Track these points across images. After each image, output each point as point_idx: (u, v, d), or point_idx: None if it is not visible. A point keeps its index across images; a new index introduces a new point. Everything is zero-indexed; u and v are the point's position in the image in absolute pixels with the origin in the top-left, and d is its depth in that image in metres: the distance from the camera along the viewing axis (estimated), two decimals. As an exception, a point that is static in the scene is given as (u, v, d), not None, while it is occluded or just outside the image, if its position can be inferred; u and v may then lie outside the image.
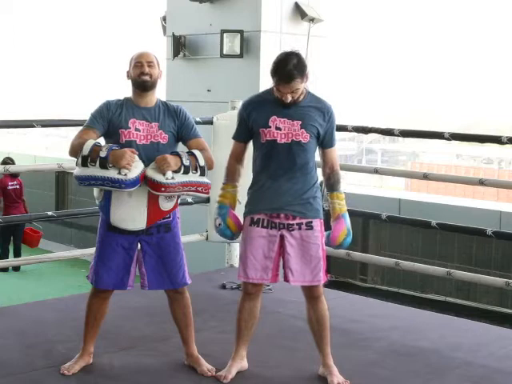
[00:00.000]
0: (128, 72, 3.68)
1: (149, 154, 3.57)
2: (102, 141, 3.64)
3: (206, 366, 3.78)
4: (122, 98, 3.69)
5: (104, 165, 3.44)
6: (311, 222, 3.57)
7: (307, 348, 4.14)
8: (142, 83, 3.62)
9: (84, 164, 3.48)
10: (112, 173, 3.43)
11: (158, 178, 3.49)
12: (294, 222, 3.56)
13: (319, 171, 3.77)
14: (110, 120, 3.59)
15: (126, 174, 3.43)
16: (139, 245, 3.67)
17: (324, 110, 3.55)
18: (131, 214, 3.60)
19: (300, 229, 3.56)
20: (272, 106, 3.55)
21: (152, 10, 9.47)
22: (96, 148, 3.48)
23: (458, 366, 3.94)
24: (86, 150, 3.48)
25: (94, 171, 3.45)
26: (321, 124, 3.54)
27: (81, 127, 3.66)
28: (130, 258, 3.66)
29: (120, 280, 3.67)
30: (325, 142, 3.62)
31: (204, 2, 7.74)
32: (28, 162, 10.72)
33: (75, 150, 3.54)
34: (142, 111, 3.63)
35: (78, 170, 3.52)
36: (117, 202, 3.57)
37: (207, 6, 7.78)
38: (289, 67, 3.40)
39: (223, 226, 3.67)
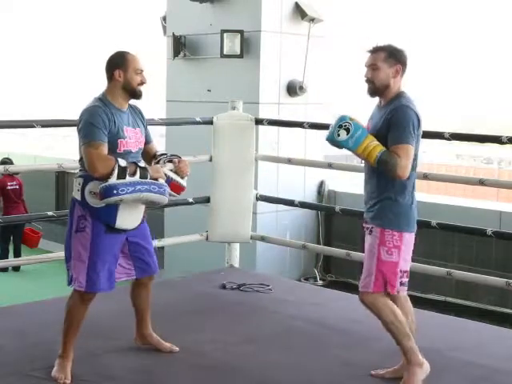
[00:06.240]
0: (120, 73, 3.57)
1: (138, 161, 3.63)
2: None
3: (168, 344, 3.93)
4: (99, 101, 3.57)
5: (145, 175, 3.51)
6: (373, 227, 3.53)
7: (307, 348, 4.14)
8: (140, 93, 3.63)
9: (122, 176, 3.45)
10: (155, 183, 3.52)
11: (182, 181, 3.72)
12: (367, 226, 3.57)
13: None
14: (108, 129, 3.53)
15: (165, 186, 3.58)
16: (126, 240, 3.70)
17: (388, 110, 3.47)
18: (134, 214, 3.66)
19: (370, 233, 3.55)
20: (375, 109, 3.62)
21: (152, 9, 9.47)
22: (132, 163, 3.53)
23: (457, 365, 3.94)
24: (122, 161, 3.49)
25: (137, 180, 3.48)
26: (382, 125, 3.46)
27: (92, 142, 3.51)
28: (118, 257, 3.68)
29: (113, 281, 3.69)
30: (388, 139, 3.45)
31: (204, 1, 7.74)
32: (28, 162, 10.71)
33: (108, 169, 3.45)
34: (125, 116, 3.61)
35: (112, 181, 3.44)
36: (126, 205, 3.57)
37: (207, 6, 7.78)
38: (382, 44, 3.53)
39: None
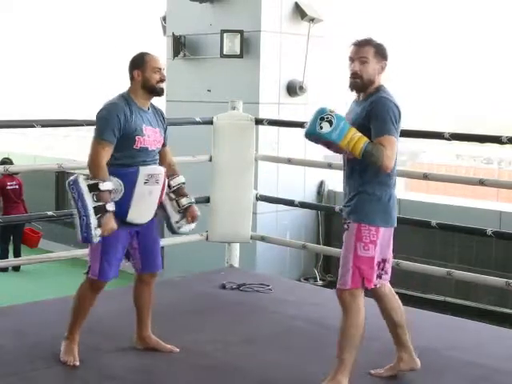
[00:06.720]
0: (139, 73, 3.70)
1: (154, 159, 3.76)
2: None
3: (168, 346, 3.94)
4: (121, 98, 3.71)
5: (99, 212, 3.57)
6: (349, 223, 3.47)
7: (307, 348, 4.15)
8: (160, 91, 3.74)
9: (92, 189, 3.57)
10: (93, 221, 3.56)
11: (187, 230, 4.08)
12: (345, 221, 3.51)
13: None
14: (123, 127, 3.64)
15: (95, 235, 3.59)
16: (136, 234, 3.80)
17: (368, 103, 3.39)
18: (147, 209, 3.76)
19: (347, 229, 3.48)
20: (352, 104, 3.55)
21: (152, 9, 9.46)
22: (108, 195, 3.59)
23: (457, 365, 3.94)
24: (106, 185, 3.58)
25: (91, 203, 3.56)
26: (363, 117, 3.38)
27: (94, 135, 3.66)
28: (125, 249, 3.79)
29: (117, 269, 3.79)
30: (372, 132, 3.37)
31: (204, 1, 7.74)
32: (28, 162, 10.71)
33: (93, 173, 3.61)
34: (146, 115, 3.75)
35: (83, 183, 3.58)
36: (138, 200, 3.69)
37: (207, 6, 7.78)
38: (366, 38, 3.45)
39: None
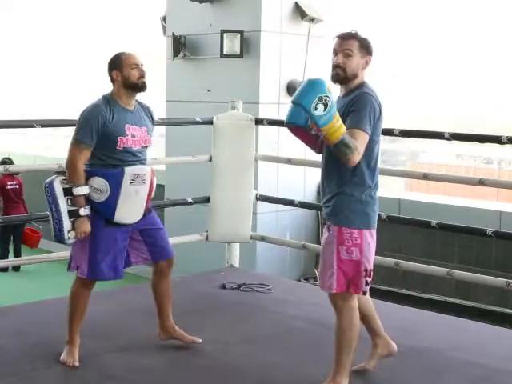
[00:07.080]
0: (117, 73, 3.69)
1: (141, 159, 3.74)
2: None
3: (190, 337, 3.98)
4: (103, 99, 3.70)
5: (73, 216, 3.61)
6: (330, 225, 3.41)
7: (307, 348, 4.15)
8: (143, 86, 3.71)
9: (67, 193, 3.62)
10: (66, 224, 3.61)
11: None
12: (325, 222, 3.48)
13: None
14: (103, 128, 3.63)
15: (69, 238, 3.63)
16: (140, 231, 3.82)
17: (349, 99, 3.36)
18: (134, 209, 3.75)
19: (328, 231, 3.42)
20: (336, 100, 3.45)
21: (152, 9, 9.45)
22: (82, 199, 3.62)
23: (457, 365, 3.94)
24: (79, 190, 3.61)
25: (65, 207, 3.61)
26: (344, 113, 3.32)
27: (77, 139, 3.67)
28: (124, 249, 3.78)
29: (119, 270, 3.77)
30: (346, 123, 3.29)
31: (204, 1, 7.73)
32: (28, 162, 10.70)
33: (74, 173, 3.64)
34: (130, 115, 3.72)
35: (58, 186, 3.64)
36: (124, 200, 3.68)
37: (207, 6, 7.78)
38: (351, 31, 3.41)
39: None
